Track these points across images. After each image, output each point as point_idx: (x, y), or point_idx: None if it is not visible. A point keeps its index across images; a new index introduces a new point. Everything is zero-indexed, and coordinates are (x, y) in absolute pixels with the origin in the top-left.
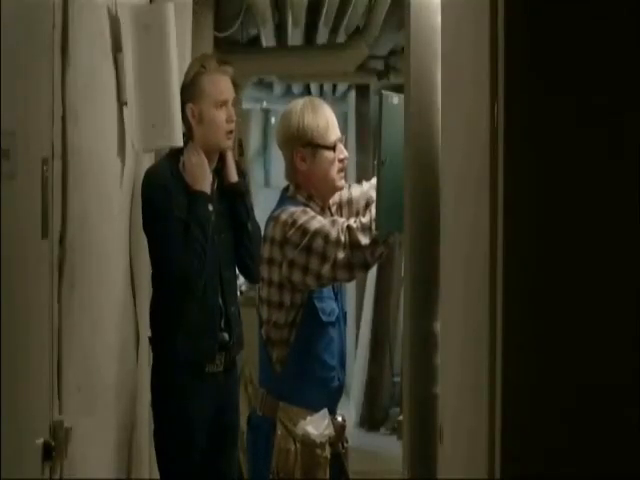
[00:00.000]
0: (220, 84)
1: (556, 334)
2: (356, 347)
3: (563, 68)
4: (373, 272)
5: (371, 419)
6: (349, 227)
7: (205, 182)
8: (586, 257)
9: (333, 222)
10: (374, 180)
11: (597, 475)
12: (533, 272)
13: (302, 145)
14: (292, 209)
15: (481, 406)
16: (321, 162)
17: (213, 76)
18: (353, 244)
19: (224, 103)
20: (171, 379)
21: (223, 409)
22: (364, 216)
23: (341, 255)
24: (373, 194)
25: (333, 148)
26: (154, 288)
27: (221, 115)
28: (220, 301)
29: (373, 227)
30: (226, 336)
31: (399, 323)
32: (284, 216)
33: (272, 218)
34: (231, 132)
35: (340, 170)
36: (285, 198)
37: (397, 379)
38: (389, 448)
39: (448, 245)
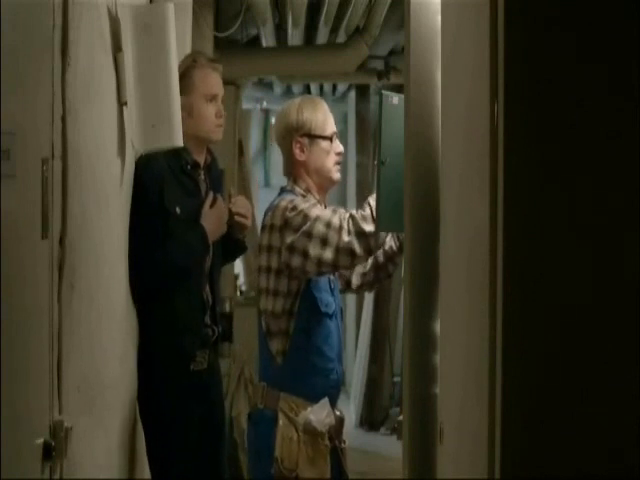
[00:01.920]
0: (210, 78)
1: (556, 334)
2: (356, 347)
3: (563, 68)
4: None
5: (371, 419)
6: (352, 216)
7: (218, 235)
8: (587, 257)
9: (334, 211)
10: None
11: (597, 475)
12: (533, 272)
13: (300, 135)
14: (290, 197)
15: (481, 406)
16: (319, 152)
17: (204, 70)
18: (358, 231)
19: (214, 97)
20: (157, 378)
21: (210, 407)
22: (364, 210)
23: (345, 239)
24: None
25: (330, 139)
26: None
27: (210, 109)
28: (205, 296)
29: (374, 216)
30: (209, 331)
31: (399, 323)
32: (284, 203)
33: (270, 208)
34: (220, 126)
35: (336, 163)
36: (283, 191)
37: (397, 379)
38: (389, 448)
39: (448, 245)
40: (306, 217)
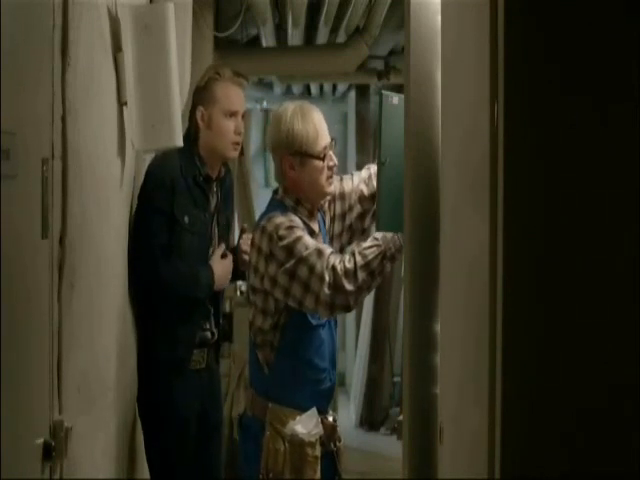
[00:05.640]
0: (233, 94)
1: (556, 334)
2: (356, 347)
3: (563, 68)
4: None
5: (371, 419)
6: (334, 268)
7: (221, 286)
8: (587, 258)
9: (319, 253)
10: (364, 172)
11: (597, 475)
12: (533, 272)
13: (291, 153)
14: (278, 220)
15: (481, 406)
16: (310, 170)
17: (227, 85)
18: (337, 287)
19: (234, 114)
20: (156, 378)
21: (208, 407)
22: (348, 261)
23: (326, 292)
24: (363, 188)
25: (322, 157)
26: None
27: (230, 125)
28: (207, 306)
29: (358, 275)
30: (209, 334)
31: (399, 323)
32: (270, 227)
33: (259, 226)
34: (237, 144)
35: (329, 177)
36: (274, 201)
37: (397, 379)
38: (389, 448)
39: (448, 245)
40: (291, 253)
